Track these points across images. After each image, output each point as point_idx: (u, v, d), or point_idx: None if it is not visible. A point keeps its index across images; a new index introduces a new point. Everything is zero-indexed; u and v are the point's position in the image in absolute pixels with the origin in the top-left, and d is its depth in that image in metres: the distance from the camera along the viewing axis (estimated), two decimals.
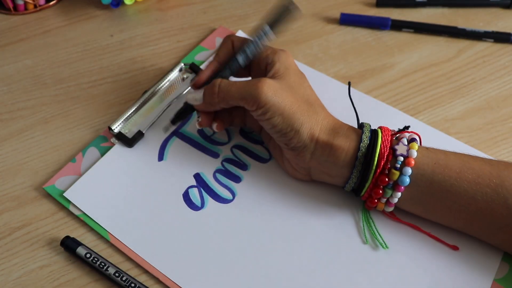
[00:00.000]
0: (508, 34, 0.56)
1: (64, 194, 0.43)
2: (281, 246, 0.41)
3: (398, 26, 0.58)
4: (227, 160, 0.46)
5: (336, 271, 0.40)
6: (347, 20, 0.58)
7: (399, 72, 0.54)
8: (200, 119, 0.44)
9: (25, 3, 0.59)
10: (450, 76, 0.53)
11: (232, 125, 0.46)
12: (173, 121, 0.45)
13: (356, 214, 0.43)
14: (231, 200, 0.44)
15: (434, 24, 0.58)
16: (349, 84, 0.47)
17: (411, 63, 0.55)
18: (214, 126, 0.44)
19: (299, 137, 0.39)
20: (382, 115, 0.49)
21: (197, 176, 0.45)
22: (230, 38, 0.44)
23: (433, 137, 0.47)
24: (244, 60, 0.42)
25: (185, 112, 0.45)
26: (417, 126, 0.48)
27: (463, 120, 0.50)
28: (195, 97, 0.43)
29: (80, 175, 0.45)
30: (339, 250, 0.41)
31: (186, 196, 0.44)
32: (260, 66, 0.43)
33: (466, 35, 0.57)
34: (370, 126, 0.41)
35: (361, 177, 0.40)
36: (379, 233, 0.41)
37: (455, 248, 0.41)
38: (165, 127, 0.47)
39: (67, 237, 0.40)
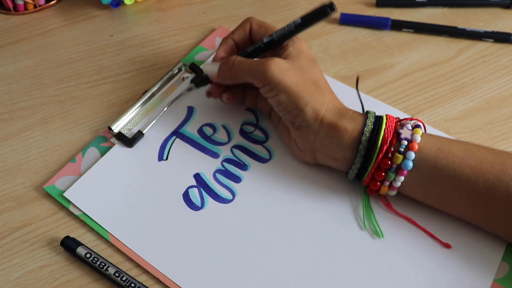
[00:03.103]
0: (508, 34, 0.56)
1: (64, 194, 0.43)
2: (281, 246, 0.41)
3: (398, 26, 0.58)
4: (227, 160, 0.46)
5: (335, 269, 0.40)
6: (347, 20, 0.58)
7: (399, 72, 0.54)
8: (210, 89, 0.47)
9: (25, 3, 0.59)
10: (450, 76, 0.53)
11: (243, 104, 0.49)
12: (197, 84, 0.48)
13: (356, 214, 0.43)
14: (231, 200, 0.44)
15: (434, 24, 0.58)
16: (357, 79, 0.50)
17: (411, 63, 0.55)
18: (224, 96, 0.47)
19: (303, 116, 0.41)
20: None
21: (197, 176, 0.45)
22: (249, 21, 0.46)
23: None
24: (268, 39, 0.44)
25: (206, 79, 0.47)
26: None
27: (463, 120, 0.50)
28: (211, 68, 0.45)
29: (80, 175, 0.45)
30: (338, 250, 0.41)
31: (186, 196, 0.44)
32: (275, 52, 0.45)
33: (466, 35, 0.57)
34: (375, 113, 0.41)
35: (364, 162, 0.40)
36: (377, 223, 0.42)
37: (447, 246, 0.41)
38: (188, 87, 0.50)
39: (67, 237, 0.40)
